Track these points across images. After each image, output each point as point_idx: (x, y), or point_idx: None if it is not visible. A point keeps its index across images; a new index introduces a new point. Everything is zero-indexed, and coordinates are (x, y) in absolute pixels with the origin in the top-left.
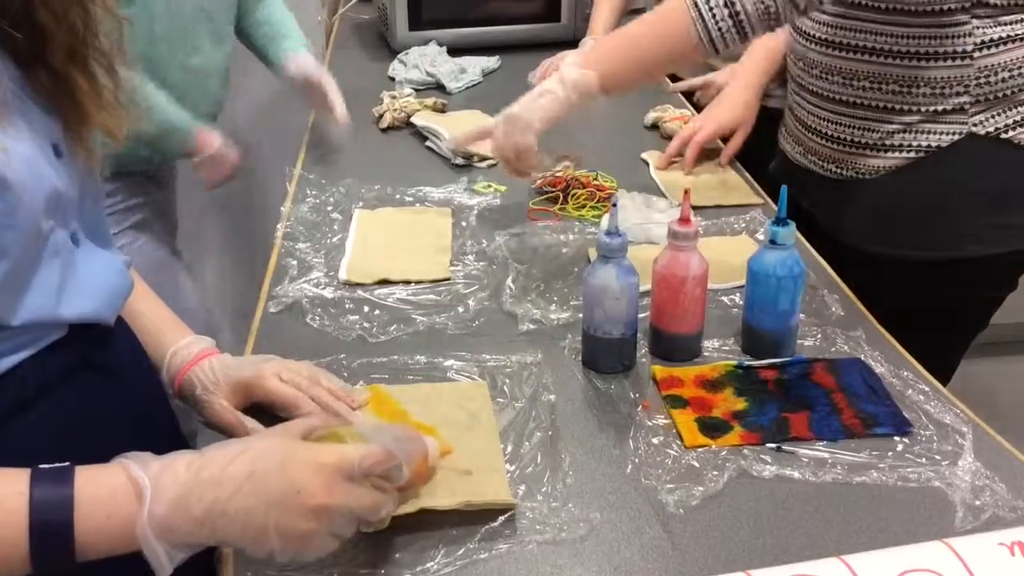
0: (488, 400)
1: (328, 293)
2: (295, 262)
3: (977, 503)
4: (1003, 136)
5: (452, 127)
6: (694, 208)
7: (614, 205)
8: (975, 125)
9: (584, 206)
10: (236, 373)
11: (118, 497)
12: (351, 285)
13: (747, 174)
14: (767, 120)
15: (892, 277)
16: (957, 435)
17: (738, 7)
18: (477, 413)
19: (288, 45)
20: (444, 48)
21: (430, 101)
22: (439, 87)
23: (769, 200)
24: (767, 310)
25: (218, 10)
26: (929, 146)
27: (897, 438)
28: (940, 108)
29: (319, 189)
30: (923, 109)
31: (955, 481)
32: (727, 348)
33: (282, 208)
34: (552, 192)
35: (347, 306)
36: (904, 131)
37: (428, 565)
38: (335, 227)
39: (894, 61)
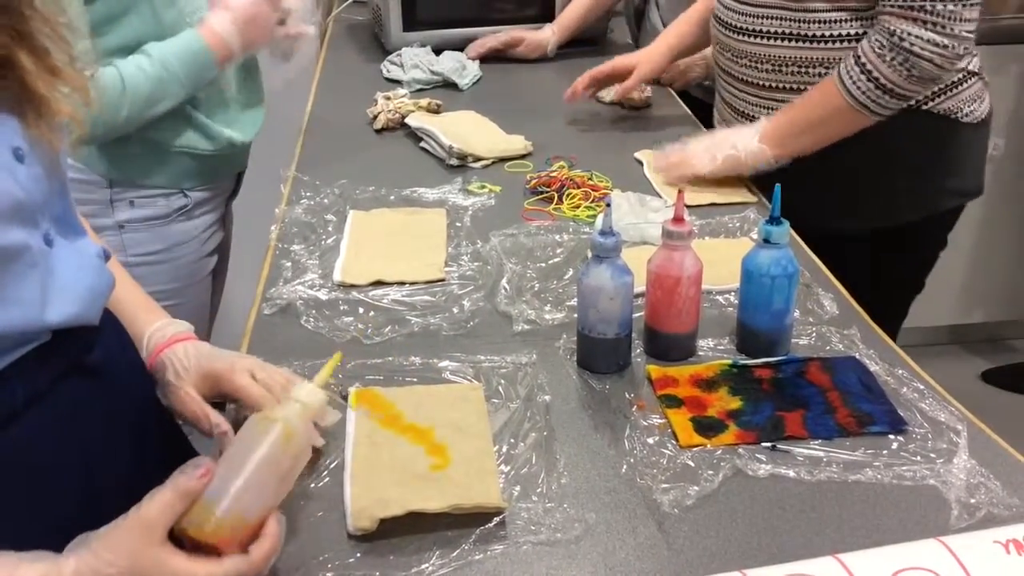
0: (483, 403)
1: (322, 295)
2: (289, 264)
3: (972, 501)
4: (923, 108)
5: (446, 128)
6: (688, 207)
7: (608, 205)
8: None
9: (579, 206)
10: (209, 362)
11: None
12: (345, 286)
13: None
14: (697, 110)
15: (837, 250)
16: (952, 433)
17: (875, 73)
18: (471, 415)
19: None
20: (428, 47)
21: (424, 102)
22: (446, 85)
23: (763, 198)
24: (761, 309)
25: None
26: None
27: (892, 436)
28: None
29: (313, 191)
30: None
31: (950, 479)
32: (722, 347)
33: (276, 210)
34: (547, 192)
35: (342, 307)
36: None
37: (423, 567)
38: (329, 228)
39: (821, 46)
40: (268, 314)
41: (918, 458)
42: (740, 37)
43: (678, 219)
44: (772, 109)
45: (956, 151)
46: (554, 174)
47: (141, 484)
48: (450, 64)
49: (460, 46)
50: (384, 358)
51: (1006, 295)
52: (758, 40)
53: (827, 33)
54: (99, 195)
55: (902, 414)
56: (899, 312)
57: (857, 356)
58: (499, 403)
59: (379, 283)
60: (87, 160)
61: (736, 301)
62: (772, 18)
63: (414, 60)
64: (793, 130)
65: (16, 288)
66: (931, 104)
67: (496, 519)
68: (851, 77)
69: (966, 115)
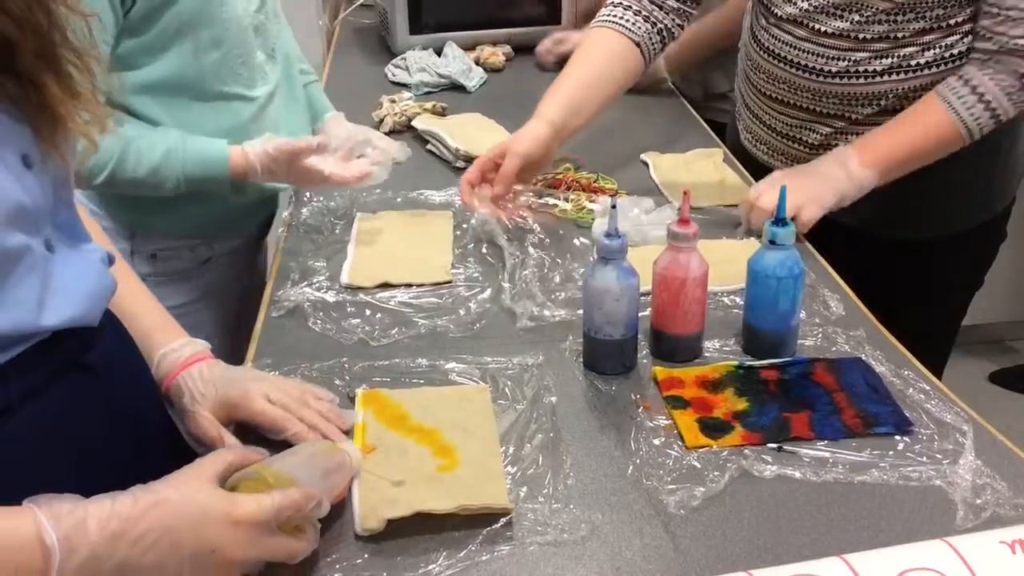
0: (489, 404)
1: (330, 297)
2: (297, 266)
3: (978, 501)
4: None
5: (453, 131)
6: (693, 209)
7: (613, 207)
8: None
9: (583, 208)
10: (224, 390)
11: (27, 554)
12: (353, 289)
13: (747, 174)
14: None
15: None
16: (958, 433)
17: (999, 111)
18: (477, 417)
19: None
20: (431, 49)
21: (429, 105)
22: (452, 88)
23: None
24: (767, 310)
25: (268, 20)
26: None
27: (898, 437)
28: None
29: (320, 193)
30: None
31: (956, 480)
32: (728, 348)
33: (284, 213)
34: (553, 194)
35: (349, 310)
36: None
37: (430, 567)
38: (337, 231)
39: (865, 80)
40: (276, 316)
41: (924, 459)
42: (807, 75)
43: (684, 220)
44: (813, 131)
45: (1020, 135)
46: (560, 176)
47: (140, 484)
48: (457, 66)
49: (466, 49)
50: (391, 360)
51: (1013, 296)
52: (825, 79)
53: (920, 63)
54: (120, 246)
55: (908, 415)
56: (963, 311)
57: (863, 357)
58: (506, 404)
59: (386, 285)
60: (106, 206)
61: (742, 302)
62: (879, 57)
63: (420, 63)
64: (902, 160)
65: (14, 290)
66: None
67: (503, 520)
68: (972, 115)
69: None
